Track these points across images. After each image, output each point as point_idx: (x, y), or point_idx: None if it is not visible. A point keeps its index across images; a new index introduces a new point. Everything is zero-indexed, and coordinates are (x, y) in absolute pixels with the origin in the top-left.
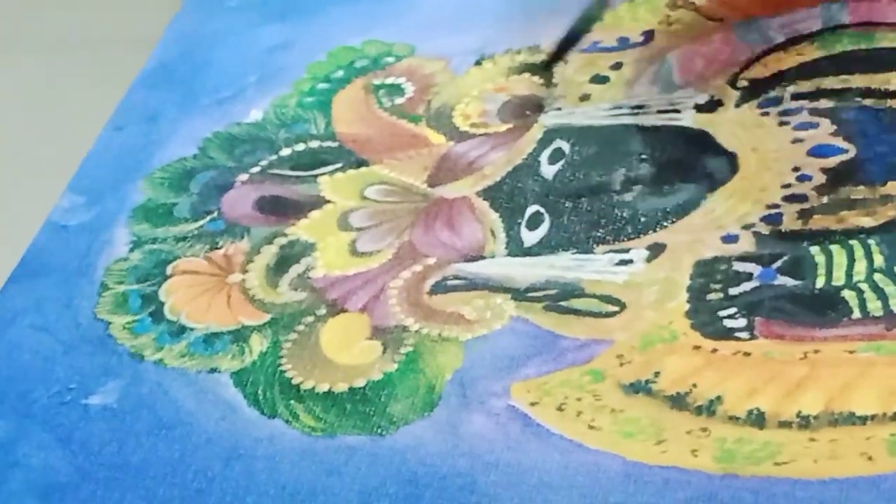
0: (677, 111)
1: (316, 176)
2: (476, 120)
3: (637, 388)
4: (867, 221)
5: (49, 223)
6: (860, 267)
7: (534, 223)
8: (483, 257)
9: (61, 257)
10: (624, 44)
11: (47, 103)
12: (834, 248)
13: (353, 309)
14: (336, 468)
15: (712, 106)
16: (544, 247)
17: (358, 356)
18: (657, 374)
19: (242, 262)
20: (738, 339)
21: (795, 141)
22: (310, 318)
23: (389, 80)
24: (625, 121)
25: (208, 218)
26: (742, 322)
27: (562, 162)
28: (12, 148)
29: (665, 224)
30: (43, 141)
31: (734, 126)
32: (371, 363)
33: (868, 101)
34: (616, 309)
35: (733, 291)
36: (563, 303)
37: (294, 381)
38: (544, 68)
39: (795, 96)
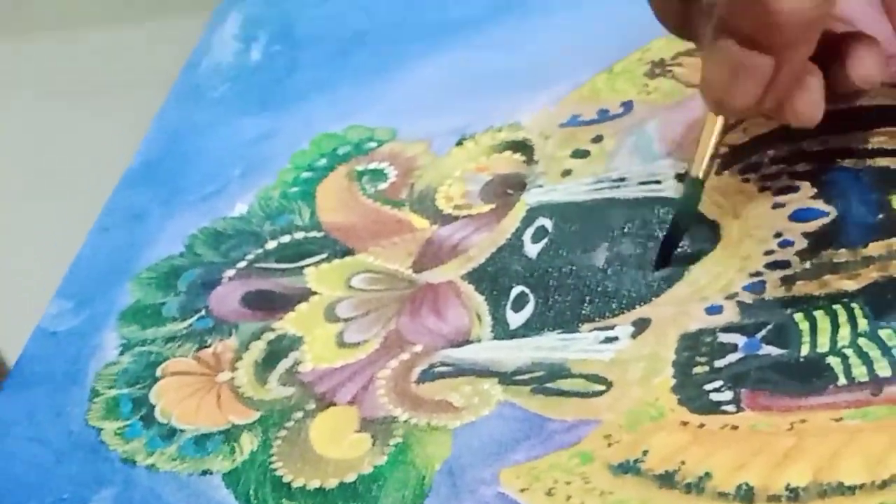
0: (658, 182)
1: (302, 267)
2: (459, 202)
3: (626, 469)
4: (850, 285)
5: (39, 330)
6: (844, 332)
7: (519, 304)
8: (470, 342)
9: (52, 365)
10: (604, 116)
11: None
12: (818, 313)
13: (341, 402)
14: None
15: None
16: (530, 328)
17: (347, 450)
18: (645, 452)
19: (231, 360)
20: (724, 412)
21: (776, 206)
22: (299, 414)
23: (372, 166)
24: (606, 195)
25: (196, 316)
26: (728, 395)
27: (545, 240)
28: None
29: (649, 298)
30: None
31: (715, 194)
32: (361, 457)
33: (847, 162)
34: (602, 388)
35: (719, 363)
36: (549, 384)
37: (285, 479)
38: (655, 270)
39: (774, 160)
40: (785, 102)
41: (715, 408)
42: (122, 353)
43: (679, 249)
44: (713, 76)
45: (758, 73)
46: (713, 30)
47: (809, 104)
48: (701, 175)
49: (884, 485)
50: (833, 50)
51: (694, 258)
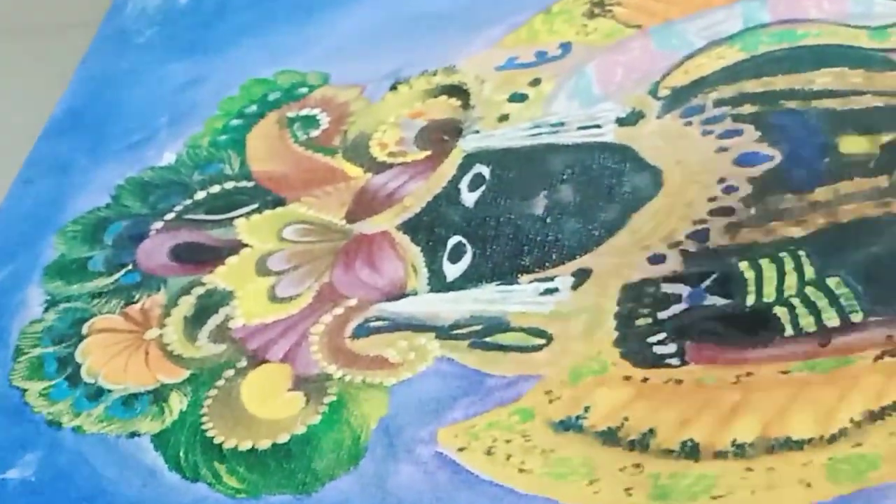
0: (598, 126)
1: (232, 219)
2: (394, 149)
3: (567, 426)
4: (796, 231)
5: None
6: (791, 281)
7: (456, 255)
8: (406, 295)
9: None
10: (541, 58)
11: None
12: (763, 262)
13: (274, 359)
14: None
15: (633, 118)
16: (468, 280)
17: (281, 409)
18: (587, 408)
19: (160, 316)
20: (669, 366)
21: (720, 150)
22: (230, 372)
23: (304, 112)
24: (545, 140)
25: (123, 271)
26: (672, 348)
27: (482, 188)
28: None
29: (590, 247)
30: None
31: (657, 139)
32: (294, 416)
33: (792, 104)
34: (543, 342)
35: (662, 315)
36: (488, 339)
37: (216, 441)
38: None
39: (718, 103)
40: None
41: (659, 361)
42: (46, 310)
43: (620, 196)
44: None
45: None
46: None
47: None
48: None
49: (832, 439)
50: None
51: (635, 206)
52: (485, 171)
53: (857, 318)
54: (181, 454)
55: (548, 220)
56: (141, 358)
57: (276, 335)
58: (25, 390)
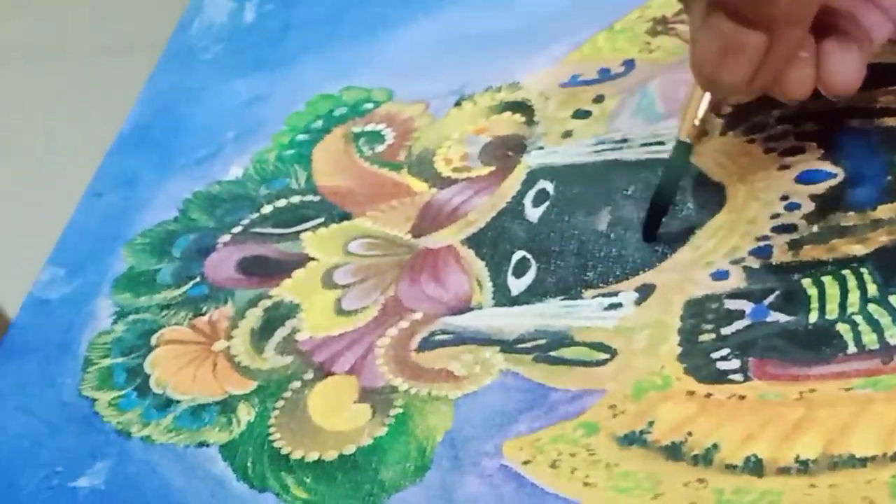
0: (661, 143)
1: (298, 233)
2: (458, 164)
3: (631, 440)
4: (859, 249)
5: (31, 298)
6: (853, 298)
7: (520, 270)
8: (470, 309)
9: (44, 333)
10: (605, 75)
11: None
12: (826, 279)
13: (340, 371)
14: None
15: (696, 136)
16: (532, 294)
17: (347, 421)
18: (651, 423)
19: (227, 328)
20: (732, 381)
21: (782, 167)
22: (297, 384)
23: (369, 128)
24: (608, 156)
25: (191, 283)
26: (736, 363)
27: (546, 203)
28: None
29: (653, 263)
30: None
31: (720, 155)
32: (360, 428)
33: (855, 122)
34: (607, 356)
35: (725, 331)
36: (552, 353)
37: (283, 452)
38: (645, 241)
39: (780, 120)
40: (776, 79)
41: (722, 377)
42: (115, 322)
43: (683, 213)
44: (703, 53)
45: (749, 50)
46: (706, 4)
47: (799, 81)
48: (689, 139)
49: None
50: (830, 23)
51: (699, 222)
52: (549, 186)
53: None
54: (249, 464)
55: (611, 236)
56: (209, 369)
57: (342, 347)
58: (95, 400)
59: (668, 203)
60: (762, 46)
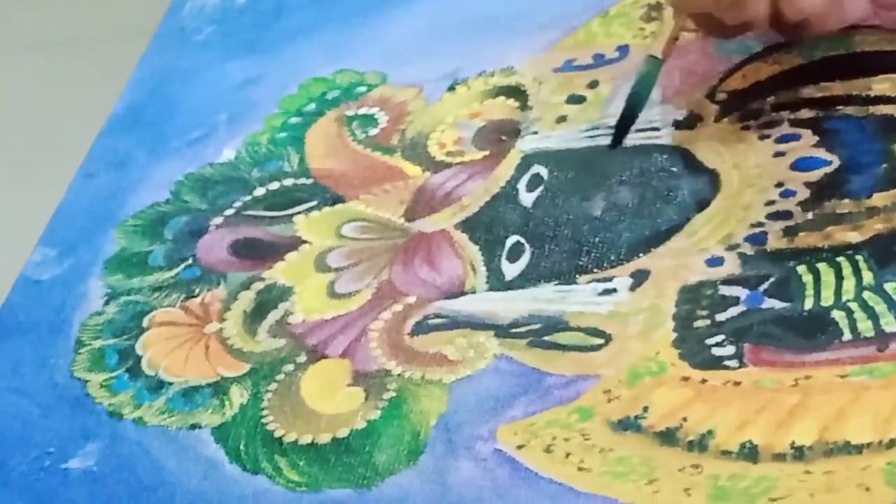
0: (656, 129)
1: (291, 215)
2: (451, 148)
3: (626, 425)
4: (854, 236)
5: (22, 278)
6: (849, 285)
7: (514, 254)
8: (464, 293)
9: (36, 314)
10: (599, 60)
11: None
12: (821, 266)
13: (333, 354)
14: None
15: (691, 122)
16: (526, 279)
17: (340, 404)
18: (646, 408)
19: (220, 310)
20: (727, 367)
21: (777, 154)
22: (290, 367)
23: (362, 111)
24: (602, 142)
25: (183, 265)
26: (731, 350)
27: (540, 188)
28: None
29: (648, 249)
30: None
31: (714, 142)
32: (354, 411)
33: (850, 109)
34: (601, 342)
35: (720, 317)
36: (547, 338)
37: (276, 434)
38: (611, 148)
39: (775, 107)
40: None
41: (717, 363)
42: (107, 303)
43: (678, 199)
44: None
45: None
46: None
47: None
48: (661, 55)
49: (891, 444)
50: None
51: (693, 208)
52: (543, 171)
53: None
54: (241, 447)
55: (606, 222)
56: (201, 351)
57: (336, 331)
58: (87, 381)
59: (637, 113)
60: None
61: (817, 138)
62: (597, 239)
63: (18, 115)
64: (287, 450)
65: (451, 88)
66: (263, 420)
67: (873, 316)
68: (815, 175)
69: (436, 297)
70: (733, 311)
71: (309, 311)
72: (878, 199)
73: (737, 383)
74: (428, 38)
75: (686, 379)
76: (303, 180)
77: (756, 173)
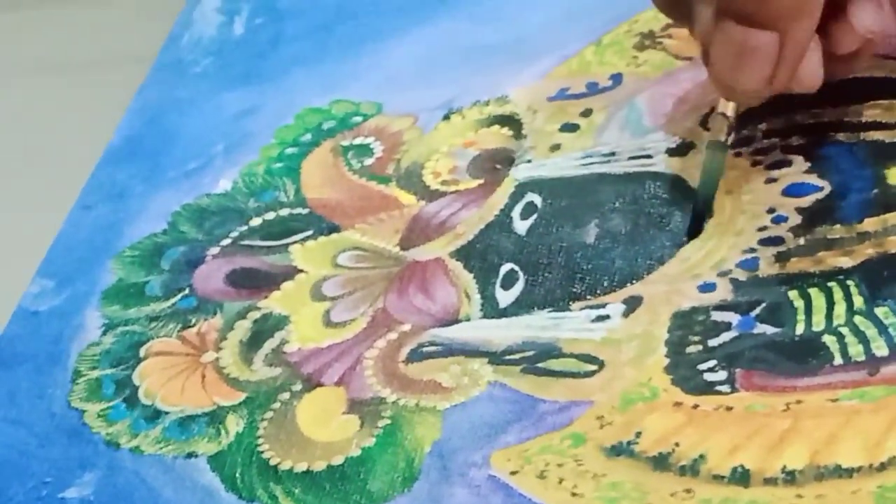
0: (649, 156)
1: (287, 245)
2: (446, 177)
3: (619, 451)
4: (845, 261)
5: (20, 310)
6: (840, 310)
7: (508, 282)
8: (458, 320)
9: (33, 345)
10: (593, 89)
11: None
12: (812, 291)
13: (328, 382)
14: None
15: (684, 149)
16: (520, 306)
17: (335, 432)
18: (639, 434)
19: (216, 340)
20: (719, 392)
21: (769, 181)
22: (286, 395)
23: (358, 141)
24: (596, 170)
25: (180, 295)
26: (723, 375)
27: (534, 216)
28: None
29: (640, 275)
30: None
31: None
32: (349, 438)
33: (841, 135)
34: (594, 368)
35: (712, 343)
36: (540, 364)
37: (272, 462)
38: (689, 237)
39: (767, 133)
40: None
41: (709, 388)
42: (104, 333)
43: (670, 225)
44: (719, 62)
45: (764, 51)
46: (714, 13)
47: (811, 71)
48: (727, 140)
49: (882, 467)
50: (830, 12)
51: (686, 235)
52: (537, 199)
53: None
54: (237, 475)
55: (599, 249)
56: (198, 381)
57: (331, 359)
58: (84, 411)
59: (710, 202)
60: (775, 45)
61: (809, 164)
62: (590, 266)
63: (16, 143)
64: (282, 478)
65: (446, 118)
66: (259, 448)
67: (864, 340)
68: (807, 201)
69: (430, 325)
70: (725, 337)
71: (304, 339)
72: (870, 224)
73: (729, 408)
74: (423, 67)
75: (678, 404)
76: (299, 210)
77: (748, 199)
